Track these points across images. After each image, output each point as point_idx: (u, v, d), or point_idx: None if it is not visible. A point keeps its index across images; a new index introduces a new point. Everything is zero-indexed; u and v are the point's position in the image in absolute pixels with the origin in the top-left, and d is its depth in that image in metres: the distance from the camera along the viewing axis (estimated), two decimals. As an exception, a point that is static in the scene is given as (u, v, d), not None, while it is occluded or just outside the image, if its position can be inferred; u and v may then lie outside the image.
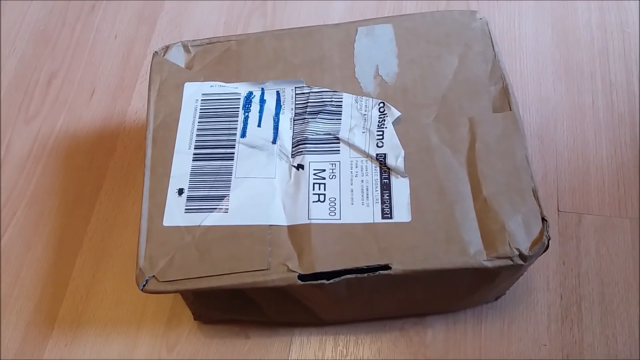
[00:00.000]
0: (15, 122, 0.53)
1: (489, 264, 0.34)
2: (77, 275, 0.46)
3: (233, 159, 0.38)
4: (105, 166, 0.51)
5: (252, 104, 0.40)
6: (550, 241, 0.35)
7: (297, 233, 0.35)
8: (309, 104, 0.39)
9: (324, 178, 0.37)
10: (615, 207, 0.47)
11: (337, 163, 0.37)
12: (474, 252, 0.34)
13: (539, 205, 0.35)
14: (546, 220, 0.35)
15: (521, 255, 0.34)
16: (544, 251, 0.35)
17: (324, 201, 0.36)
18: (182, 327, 0.44)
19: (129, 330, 0.44)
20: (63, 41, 0.58)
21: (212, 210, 0.36)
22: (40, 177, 0.51)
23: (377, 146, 0.37)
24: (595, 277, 0.45)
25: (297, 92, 0.40)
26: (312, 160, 0.37)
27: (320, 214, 0.36)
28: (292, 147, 0.38)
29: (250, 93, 0.40)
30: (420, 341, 0.43)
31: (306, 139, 0.38)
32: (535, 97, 0.53)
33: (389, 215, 0.35)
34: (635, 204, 0.48)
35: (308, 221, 0.35)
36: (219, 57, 0.42)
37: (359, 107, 0.39)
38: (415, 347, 0.43)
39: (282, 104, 0.40)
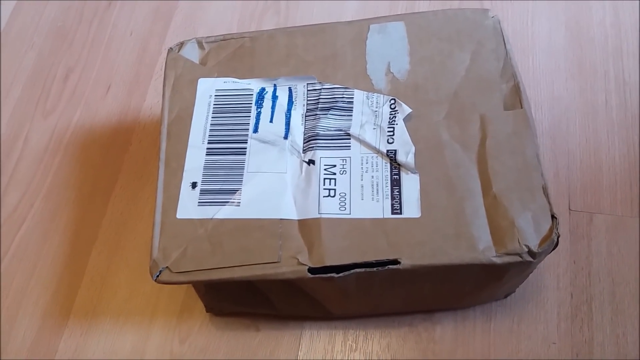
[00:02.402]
0: (33, 116, 0.54)
1: (497, 260, 0.34)
2: (92, 266, 0.47)
3: (245, 154, 0.38)
4: (121, 160, 0.52)
5: (265, 99, 0.40)
6: (560, 239, 0.35)
7: (308, 227, 0.36)
8: (321, 100, 0.40)
9: (334, 173, 0.37)
10: (627, 207, 0.47)
11: (348, 159, 0.38)
12: (482, 248, 0.34)
13: (549, 203, 0.35)
14: (556, 218, 0.35)
15: (530, 252, 0.34)
16: (553, 248, 0.35)
17: (334, 196, 0.36)
18: (194, 319, 0.44)
19: (142, 322, 0.45)
20: (80, 38, 0.59)
21: (224, 203, 0.37)
22: (57, 170, 0.52)
23: (388, 142, 0.38)
24: (606, 276, 0.45)
25: (309, 88, 0.41)
26: (323, 156, 0.38)
27: (330, 208, 0.36)
28: (304, 143, 0.39)
29: (263, 89, 0.41)
30: (429, 337, 0.43)
31: (317, 134, 0.39)
32: (548, 95, 0.53)
33: (398, 211, 0.36)
34: (647, 203, 0.47)
35: (318, 215, 0.36)
36: (232, 53, 0.42)
37: (370, 103, 0.40)
38: (424, 343, 0.43)
39: (294, 100, 0.40)
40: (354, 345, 0.43)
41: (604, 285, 0.44)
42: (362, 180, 0.37)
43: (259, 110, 0.40)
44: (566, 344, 0.43)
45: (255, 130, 0.39)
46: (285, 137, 0.39)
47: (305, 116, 0.40)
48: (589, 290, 0.44)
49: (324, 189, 0.37)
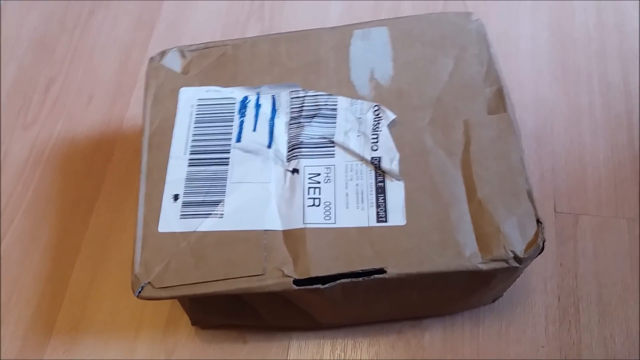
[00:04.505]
0: (13, 128, 0.54)
1: (484, 267, 0.34)
2: (75, 281, 0.46)
3: (228, 164, 0.38)
4: (104, 171, 0.51)
5: (248, 108, 0.40)
6: (545, 243, 0.35)
7: (293, 238, 0.35)
8: (304, 108, 0.40)
9: (319, 182, 0.37)
10: (612, 208, 0.47)
11: (332, 167, 0.37)
12: (469, 254, 0.34)
13: (534, 207, 0.35)
14: (541, 223, 0.34)
15: (516, 258, 0.34)
16: (539, 253, 0.35)
17: (319, 205, 0.36)
18: (179, 332, 0.44)
19: (127, 336, 0.44)
20: (61, 47, 0.58)
21: (207, 215, 0.36)
22: (39, 183, 0.51)
23: (372, 149, 0.37)
24: (593, 277, 0.45)
25: (292, 96, 0.40)
26: (307, 165, 0.37)
27: (315, 218, 0.36)
28: (288, 151, 0.38)
29: (246, 97, 0.40)
30: (417, 344, 0.43)
31: (301, 143, 0.38)
32: (532, 97, 0.53)
33: (383, 219, 0.35)
34: (632, 204, 0.47)
35: (303, 225, 0.35)
36: (214, 61, 0.42)
37: (354, 110, 0.39)
38: (413, 350, 0.43)
39: (277, 108, 0.40)
40: (342, 354, 0.43)
41: (591, 286, 0.44)
42: (346, 188, 0.37)
43: (242, 119, 0.40)
44: (554, 346, 0.43)
45: (239, 140, 0.39)
46: (269, 146, 0.38)
47: (289, 124, 0.39)
48: (576, 292, 0.44)
49: (309, 198, 0.36)
